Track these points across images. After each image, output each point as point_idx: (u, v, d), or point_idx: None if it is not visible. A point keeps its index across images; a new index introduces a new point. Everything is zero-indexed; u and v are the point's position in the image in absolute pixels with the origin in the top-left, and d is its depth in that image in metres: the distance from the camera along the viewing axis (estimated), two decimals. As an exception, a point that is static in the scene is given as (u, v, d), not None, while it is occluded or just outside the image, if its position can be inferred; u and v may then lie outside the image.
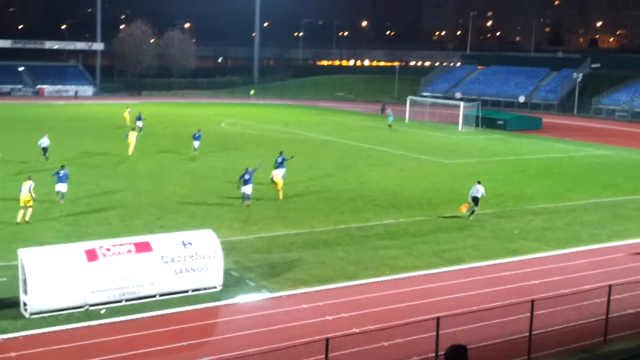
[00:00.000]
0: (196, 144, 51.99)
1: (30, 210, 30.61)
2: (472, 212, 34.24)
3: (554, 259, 28.13)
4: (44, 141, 47.80)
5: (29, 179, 31.60)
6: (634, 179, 46.97)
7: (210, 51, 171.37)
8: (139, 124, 62.23)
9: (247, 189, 35.12)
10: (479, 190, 34.33)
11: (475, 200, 34.31)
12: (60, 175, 35.16)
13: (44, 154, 47.25)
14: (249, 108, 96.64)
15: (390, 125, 74.38)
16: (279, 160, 40.24)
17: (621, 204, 39.08)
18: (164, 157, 49.64)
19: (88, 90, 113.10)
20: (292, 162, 42.45)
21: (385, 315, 21.47)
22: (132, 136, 50.63)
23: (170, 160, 48.70)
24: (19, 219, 30.37)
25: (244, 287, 23.48)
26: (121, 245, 22.04)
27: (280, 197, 36.99)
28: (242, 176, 35.45)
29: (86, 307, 21.08)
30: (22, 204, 30.57)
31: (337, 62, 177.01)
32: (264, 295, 22.94)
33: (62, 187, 35.06)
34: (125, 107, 73.40)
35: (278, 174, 37.86)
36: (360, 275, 25.18)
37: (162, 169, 44.90)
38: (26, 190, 30.44)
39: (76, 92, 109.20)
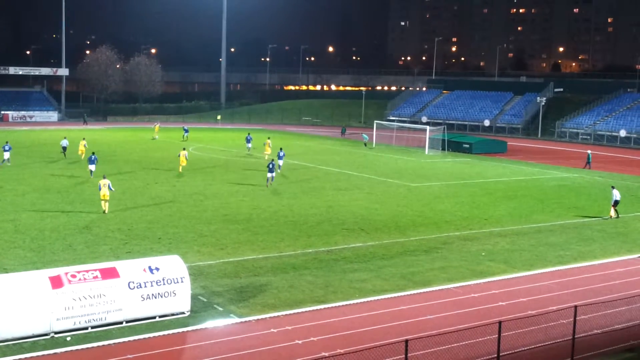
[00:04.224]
0: (249, 145, 70.94)
1: (107, 204, 37.99)
2: (617, 214, 41.19)
3: (521, 281, 28.35)
4: (64, 142, 63.16)
5: (104, 177, 38.93)
6: (598, 200, 47.62)
7: (176, 76, 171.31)
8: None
9: (271, 175, 48.71)
10: (617, 194, 41.28)
11: (616, 203, 41.19)
12: (92, 159, 50.35)
13: (64, 152, 62.22)
14: (216, 133, 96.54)
15: (365, 144, 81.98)
16: (281, 154, 56.62)
17: (586, 225, 39.58)
18: (130, 182, 49.25)
19: (53, 116, 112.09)
20: (259, 187, 43.82)
21: (354, 338, 21.43)
22: (183, 155, 55.17)
23: (136, 185, 48.32)
24: (103, 209, 38.01)
25: (212, 312, 23.30)
26: (87, 271, 21.77)
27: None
28: (268, 165, 49.42)
29: (51, 335, 20.74)
30: (102, 198, 37.98)
31: (304, 87, 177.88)
32: (233, 320, 22.78)
33: (92, 167, 50.03)
34: (155, 124, 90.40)
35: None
36: (329, 298, 25.13)
37: (128, 194, 44.53)
38: (105, 188, 37.76)
39: (85, 117, 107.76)
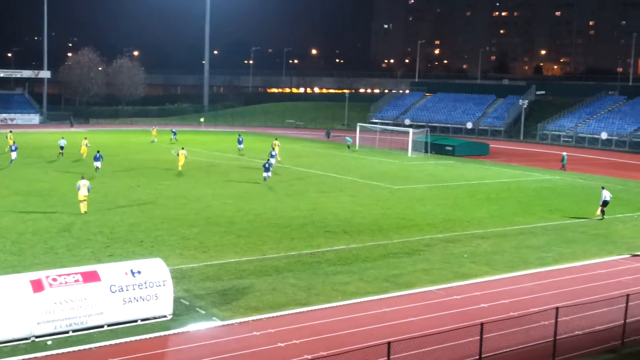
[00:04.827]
0: (241, 146, 72.76)
1: (85, 204, 38.34)
2: (603, 213, 41.71)
3: (503, 282, 28.47)
4: (62, 142, 64.83)
5: (83, 178, 39.04)
6: (579, 202, 47.93)
7: (159, 79, 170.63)
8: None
9: (266, 174, 51.86)
10: (607, 195, 41.77)
11: (606, 203, 41.63)
12: (97, 156, 53.04)
13: (61, 152, 63.75)
14: (199, 135, 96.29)
15: (349, 147, 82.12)
16: (273, 153, 59.29)
17: (567, 227, 39.82)
18: (112, 185, 48.99)
19: (35, 118, 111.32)
20: (243, 189, 42.98)
21: (337, 341, 21.43)
22: (182, 154, 57.70)
23: (118, 188, 48.08)
24: (82, 211, 38.04)
25: (194, 316, 23.23)
26: (68, 275, 21.63)
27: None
28: (264, 165, 52.57)
29: (32, 339, 20.59)
30: (80, 198, 38.27)
31: (287, 90, 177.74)
32: (215, 323, 22.72)
33: (98, 164, 52.67)
34: (153, 127, 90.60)
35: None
36: (311, 301, 25.12)
37: (110, 197, 44.31)
38: (84, 188, 38.07)
39: (71, 120, 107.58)
